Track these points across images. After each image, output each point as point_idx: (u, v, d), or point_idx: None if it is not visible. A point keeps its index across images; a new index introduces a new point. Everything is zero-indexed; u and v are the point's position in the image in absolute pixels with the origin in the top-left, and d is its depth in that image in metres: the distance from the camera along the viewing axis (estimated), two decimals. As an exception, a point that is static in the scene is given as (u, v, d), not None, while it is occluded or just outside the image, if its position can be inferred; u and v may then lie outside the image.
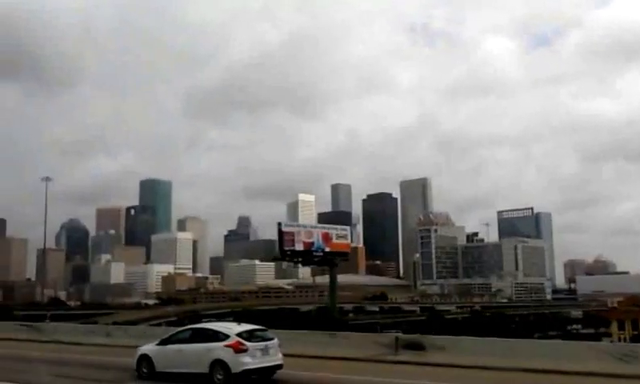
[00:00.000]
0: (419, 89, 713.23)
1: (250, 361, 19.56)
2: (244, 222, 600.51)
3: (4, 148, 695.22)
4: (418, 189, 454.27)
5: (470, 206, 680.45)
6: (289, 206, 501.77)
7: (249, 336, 20.35)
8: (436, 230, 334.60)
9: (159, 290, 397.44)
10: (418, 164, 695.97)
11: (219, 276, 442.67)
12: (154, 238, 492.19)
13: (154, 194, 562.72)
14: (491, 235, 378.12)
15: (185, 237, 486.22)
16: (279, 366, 20.46)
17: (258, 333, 21.04)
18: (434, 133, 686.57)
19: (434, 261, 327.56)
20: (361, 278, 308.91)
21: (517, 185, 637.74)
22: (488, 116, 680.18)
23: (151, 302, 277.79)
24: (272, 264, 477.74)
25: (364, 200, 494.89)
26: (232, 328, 20.91)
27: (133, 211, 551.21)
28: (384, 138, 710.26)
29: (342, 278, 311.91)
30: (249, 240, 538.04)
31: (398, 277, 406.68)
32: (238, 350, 19.61)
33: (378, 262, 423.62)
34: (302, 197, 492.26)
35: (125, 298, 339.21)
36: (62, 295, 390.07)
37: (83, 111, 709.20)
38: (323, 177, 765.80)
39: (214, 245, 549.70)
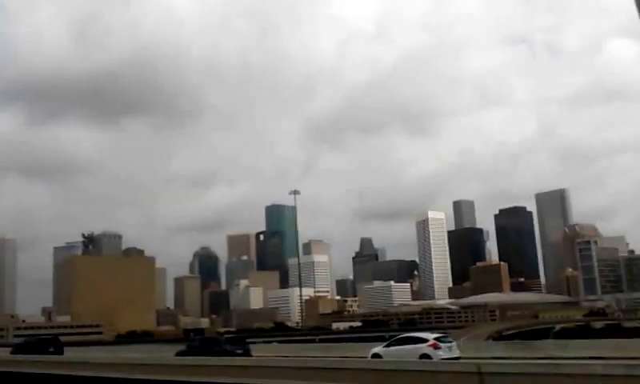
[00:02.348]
0: (535, 100, 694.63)
1: (442, 354, 30.23)
2: (367, 243, 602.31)
3: (133, 181, 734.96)
4: (555, 201, 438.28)
5: (603, 215, 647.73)
6: (418, 224, 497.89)
7: (439, 339, 32.00)
8: (596, 242, 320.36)
9: (301, 314, 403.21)
10: (540, 176, 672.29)
11: (357, 298, 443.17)
12: (290, 261, 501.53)
13: (279, 218, 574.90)
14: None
15: (321, 259, 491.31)
16: (458, 358, 29.56)
17: (443, 338, 32.89)
18: (554, 144, 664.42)
19: (596, 274, 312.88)
20: (522, 296, 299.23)
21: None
22: (610, 124, 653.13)
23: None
24: (407, 285, 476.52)
25: (496, 215, 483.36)
26: (429, 335, 33.18)
27: (262, 237, 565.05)
28: (500, 151, 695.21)
29: (495, 298, 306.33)
30: (377, 261, 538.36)
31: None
32: (436, 347, 30.97)
33: (522, 279, 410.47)
34: (431, 214, 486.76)
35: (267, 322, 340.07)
36: (204, 322, 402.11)
37: (207, 144, 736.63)
38: (440, 194, 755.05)
39: (338, 267, 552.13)
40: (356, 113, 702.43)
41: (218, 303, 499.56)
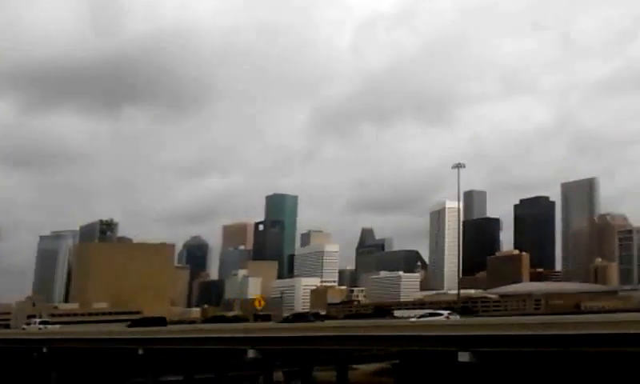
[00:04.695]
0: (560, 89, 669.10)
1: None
2: (368, 234, 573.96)
3: (127, 171, 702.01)
4: (583, 190, 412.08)
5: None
6: (432, 215, 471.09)
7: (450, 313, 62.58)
8: (639, 231, 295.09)
9: (306, 304, 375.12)
10: (552, 167, 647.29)
11: (363, 288, 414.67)
12: (298, 251, 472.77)
13: (280, 208, 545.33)
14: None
15: (330, 249, 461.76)
16: None
17: (451, 313, 63.41)
18: (574, 133, 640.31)
19: (635, 265, 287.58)
20: (560, 285, 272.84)
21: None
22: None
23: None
24: (417, 275, 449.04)
25: (516, 205, 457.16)
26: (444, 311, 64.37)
27: (262, 226, 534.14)
28: (515, 140, 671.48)
29: (534, 287, 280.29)
30: (383, 251, 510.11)
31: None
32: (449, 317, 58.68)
33: (541, 270, 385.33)
34: (448, 204, 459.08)
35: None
36: (195, 312, 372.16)
37: (212, 131, 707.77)
38: (450, 184, 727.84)
39: (340, 257, 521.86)
40: (369, 101, 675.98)
41: (209, 293, 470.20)
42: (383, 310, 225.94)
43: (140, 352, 66.81)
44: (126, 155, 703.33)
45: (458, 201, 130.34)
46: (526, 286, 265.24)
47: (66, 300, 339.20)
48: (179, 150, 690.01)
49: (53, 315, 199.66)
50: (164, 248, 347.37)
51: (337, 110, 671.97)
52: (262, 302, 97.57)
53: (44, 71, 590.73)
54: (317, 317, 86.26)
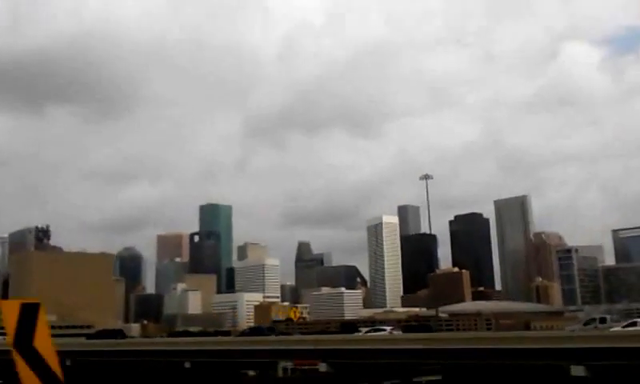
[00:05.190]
0: (485, 106, 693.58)
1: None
2: (305, 247, 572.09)
3: (49, 174, 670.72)
4: (516, 208, 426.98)
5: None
6: (369, 229, 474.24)
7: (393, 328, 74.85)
8: (577, 251, 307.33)
9: (250, 320, 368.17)
10: (480, 184, 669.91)
11: (306, 305, 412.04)
12: (237, 264, 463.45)
13: (214, 219, 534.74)
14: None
15: (272, 263, 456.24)
16: None
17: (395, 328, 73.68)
18: (501, 151, 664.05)
19: (577, 284, 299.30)
20: (507, 305, 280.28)
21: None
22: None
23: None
24: (359, 292, 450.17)
25: (451, 221, 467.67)
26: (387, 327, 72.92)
27: (197, 237, 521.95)
28: (445, 156, 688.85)
29: (483, 306, 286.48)
30: (322, 266, 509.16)
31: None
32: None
33: (481, 288, 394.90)
34: (385, 219, 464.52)
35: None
36: (134, 328, 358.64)
37: (139, 136, 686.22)
38: (382, 198, 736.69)
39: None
40: (298, 111, 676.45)
41: (146, 307, 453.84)
42: (351, 326, 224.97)
43: (187, 365, 62.86)
44: (49, 158, 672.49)
45: (429, 210, 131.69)
46: (476, 305, 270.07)
47: None
48: (104, 156, 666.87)
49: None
50: (103, 259, 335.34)
51: (264, 119, 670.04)
52: (297, 313, 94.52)
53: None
54: (272, 331, 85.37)
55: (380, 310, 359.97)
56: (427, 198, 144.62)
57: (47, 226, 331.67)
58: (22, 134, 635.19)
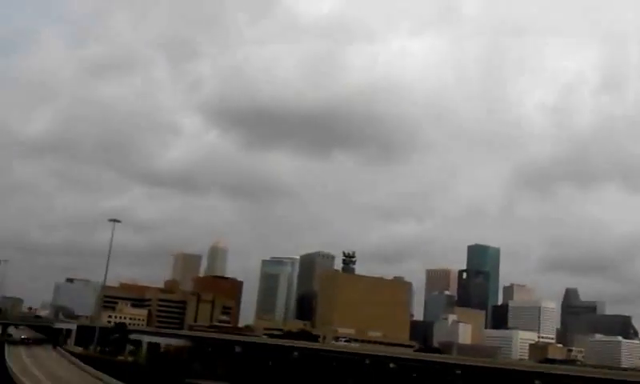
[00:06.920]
0: None
1: None
2: (572, 294, 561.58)
3: (332, 206, 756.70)
4: None
5: None
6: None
7: None
8: None
9: (523, 356, 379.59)
10: None
11: (582, 349, 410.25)
12: (511, 303, 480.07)
13: (482, 259, 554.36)
14: None
15: (548, 306, 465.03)
16: None
17: None
18: None
19: None
20: None
21: None
22: None
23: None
24: (637, 342, 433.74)
25: None
26: None
27: (465, 274, 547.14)
28: None
29: None
30: (595, 313, 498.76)
31: None
32: None
33: None
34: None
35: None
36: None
37: (411, 179, 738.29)
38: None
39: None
40: (570, 163, 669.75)
41: (415, 332, 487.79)
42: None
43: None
44: (331, 194, 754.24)
45: None
46: None
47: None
48: (378, 194, 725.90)
49: (337, 338, 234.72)
50: (400, 284, 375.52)
51: (536, 168, 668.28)
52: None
53: (265, 113, 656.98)
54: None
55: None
56: None
57: (353, 253, 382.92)
58: (311, 173, 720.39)
